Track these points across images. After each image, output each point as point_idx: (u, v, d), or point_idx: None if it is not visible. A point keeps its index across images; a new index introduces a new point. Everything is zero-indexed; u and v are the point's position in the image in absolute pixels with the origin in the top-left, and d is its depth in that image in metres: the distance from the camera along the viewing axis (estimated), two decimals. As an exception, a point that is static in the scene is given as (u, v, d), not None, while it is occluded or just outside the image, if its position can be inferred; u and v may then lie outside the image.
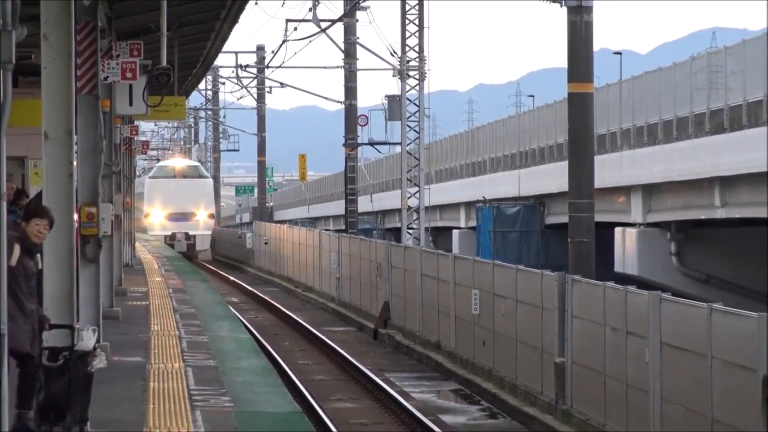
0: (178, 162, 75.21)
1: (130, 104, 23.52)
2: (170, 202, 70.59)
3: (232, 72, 79.71)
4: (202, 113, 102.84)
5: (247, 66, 77.41)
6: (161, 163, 78.41)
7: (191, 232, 69.44)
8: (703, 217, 33.45)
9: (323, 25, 51.67)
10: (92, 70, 19.58)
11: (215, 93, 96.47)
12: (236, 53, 77.83)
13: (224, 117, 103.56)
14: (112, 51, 22.68)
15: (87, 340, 11.05)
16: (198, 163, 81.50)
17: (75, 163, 16.58)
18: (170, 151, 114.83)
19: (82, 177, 18.82)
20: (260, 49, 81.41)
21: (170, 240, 66.82)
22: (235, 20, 27.80)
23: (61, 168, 15.15)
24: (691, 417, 18.87)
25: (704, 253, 34.73)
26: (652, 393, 19.52)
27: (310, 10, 52.46)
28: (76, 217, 17.53)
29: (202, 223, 71.63)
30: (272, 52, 66.54)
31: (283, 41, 57.70)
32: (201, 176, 73.29)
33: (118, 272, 29.05)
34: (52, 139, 15.00)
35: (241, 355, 20.31)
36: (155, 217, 69.30)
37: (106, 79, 21.26)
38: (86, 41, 19.53)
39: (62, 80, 15.12)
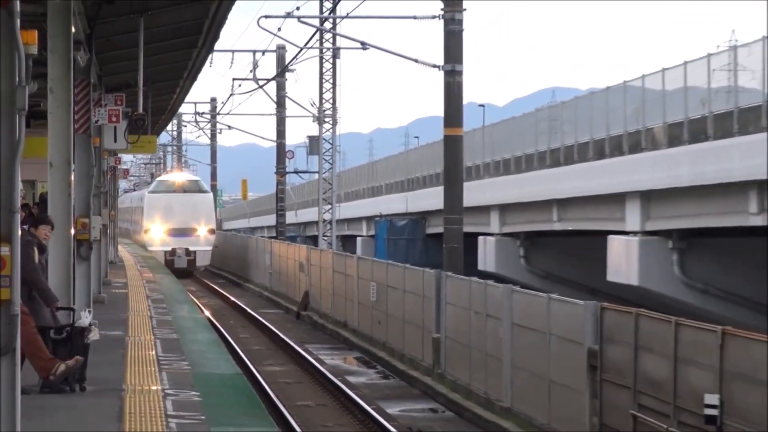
0: (178, 176, 57.93)
1: (115, 141, 22.40)
2: (170, 217, 53.41)
3: (192, 117, 77.09)
4: (169, 148, 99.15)
5: (203, 113, 75.17)
6: (161, 178, 60.69)
7: (192, 248, 53.06)
8: (543, 228, 32.76)
9: (261, 82, 52.18)
10: (86, 115, 19.49)
11: (179, 133, 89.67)
12: (195, 103, 74.69)
13: (186, 151, 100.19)
14: (102, 101, 22.31)
15: (84, 318, 11.02)
16: (198, 178, 62.88)
17: (72, 186, 16.15)
18: (143, 177, 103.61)
19: (78, 196, 18.42)
20: (213, 100, 77.16)
21: (170, 255, 50.50)
22: (194, 78, 27.35)
23: (62, 189, 15.11)
24: (534, 378, 19.04)
25: (546, 255, 34.50)
26: (505, 361, 19.63)
27: (251, 71, 53.35)
28: (72, 226, 16.50)
29: (203, 238, 54.35)
30: (222, 102, 65.78)
31: (230, 95, 58.72)
32: (201, 191, 56.52)
33: (105, 267, 28.66)
34: (55, 167, 15.05)
35: (197, 330, 19.91)
36: (155, 232, 52.56)
37: (96, 122, 20.21)
38: (82, 93, 19.29)
39: (63, 123, 15.04)
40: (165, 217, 51.70)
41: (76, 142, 17.44)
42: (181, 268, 46.34)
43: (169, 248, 49.50)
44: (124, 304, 23.67)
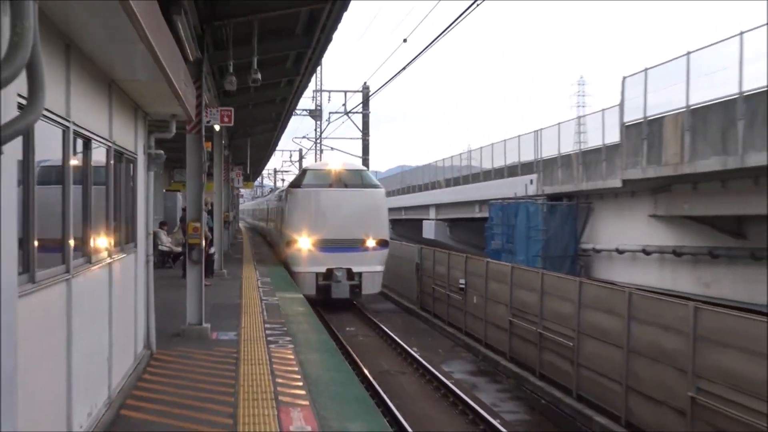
0: (335, 163, 31.69)
1: (238, 184, 35.36)
2: (325, 224, 28.34)
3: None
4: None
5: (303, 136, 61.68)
6: (313, 166, 33.73)
7: (357, 268, 28.46)
8: (466, 216, 41.76)
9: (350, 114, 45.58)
10: (227, 175, 29.49)
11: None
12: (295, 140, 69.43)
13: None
14: (232, 169, 31.45)
15: (214, 251, 20.39)
16: (363, 167, 35.82)
17: (222, 203, 28.01)
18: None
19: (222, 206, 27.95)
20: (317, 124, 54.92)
21: (324, 279, 28.16)
22: (284, 124, 31.93)
23: (218, 204, 27.18)
24: (404, 278, 29.33)
25: (458, 229, 43.86)
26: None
27: (342, 104, 44.61)
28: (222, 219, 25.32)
29: (372, 254, 28.60)
30: (322, 130, 52.68)
31: (328, 123, 48.53)
32: (369, 184, 30.72)
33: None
34: (216, 196, 25.52)
35: (294, 303, 18.24)
36: (301, 246, 28.11)
37: (231, 179, 29.56)
38: (225, 166, 28.61)
39: (218, 177, 24.12)
40: (317, 223, 30.24)
41: (222, 186, 27.19)
42: (342, 298, 28.19)
43: (323, 269, 28.95)
44: (240, 276, 24.48)
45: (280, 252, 31.08)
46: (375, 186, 28.51)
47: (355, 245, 26.94)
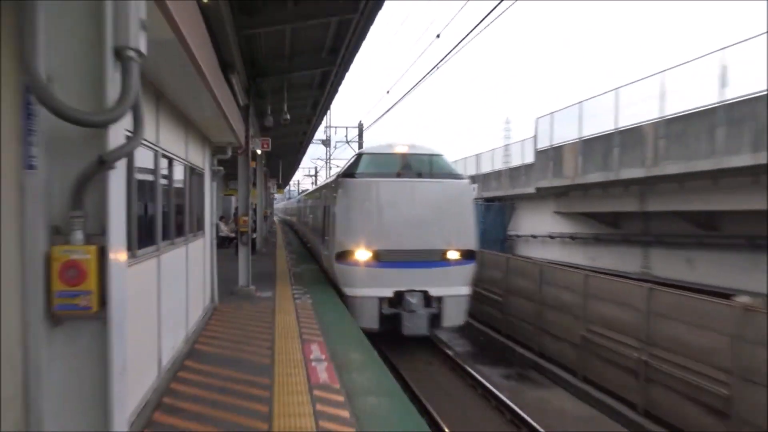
0: (401, 146, 11.24)
1: (272, 190, 34.92)
2: (392, 228, 10.31)
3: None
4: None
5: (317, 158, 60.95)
6: (370, 149, 12.04)
7: (435, 291, 10.54)
8: None
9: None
10: (267, 184, 28.84)
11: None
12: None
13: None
14: (269, 179, 31.23)
15: (256, 236, 23.21)
16: (440, 152, 12.01)
17: (261, 203, 27.15)
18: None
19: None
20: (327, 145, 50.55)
21: (390, 306, 10.57)
22: (305, 149, 30.80)
23: (260, 205, 26.20)
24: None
25: None
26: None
27: (344, 136, 40.26)
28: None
29: (456, 273, 10.73)
30: (331, 153, 42.16)
31: (335, 148, 38.96)
32: (451, 174, 11.36)
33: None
34: (258, 199, 25.38)
35: (314, 272, 16.06)
36: (356, 259, 10.51)
37: (270, 189, 29.52)
38: (264, 177, 28.94)
39: (261, 186, 25.65)
40: (379, 225, 11.62)
41: (262, 191, 26.39)
42: (416, 334, 11.44)
43: (389, 293, 11.43)
44: (275, 253, 24.11)
45: (323, 263, 15.54)
46: (456, 176, 13.09)
47: (432, 258, 12.18)
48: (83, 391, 3.08)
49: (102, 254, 3.11)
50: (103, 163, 3.04)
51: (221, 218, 23.27)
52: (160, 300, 6.69)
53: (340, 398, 6.53)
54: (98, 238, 3.12)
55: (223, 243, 22.54)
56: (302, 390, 6.73)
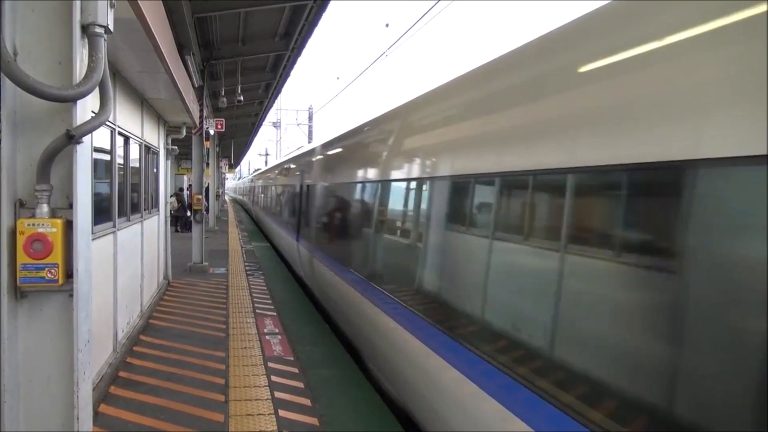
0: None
1: (225, 171, 35.16)
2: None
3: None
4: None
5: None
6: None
7: None
8: None
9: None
10: (219, 164, 29.48)
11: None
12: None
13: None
14: (221, 161, 31.32)
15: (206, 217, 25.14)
16: None
17: (212, 182, 26.70)
18: None
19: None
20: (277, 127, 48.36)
21: None
22: (257, 131, 30.24)
23: (207, 182, 28.40)
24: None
25: None
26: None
27: (295, 118, 46.95)
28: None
29: None
30: (281, 136, 47.83)
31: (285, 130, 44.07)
32: None
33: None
34: (210, 178, 25.54)
35: (264, 249, 17.00)
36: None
37: (221, 168, 29.63)
38: (217, 160, 28.21)
39: (214, 166, 26.03)
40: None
41: (215, 171, 27.47)
42: None
43: None
44: (227, 230, 24.61)
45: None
46: None
47: None
48: (48, 363, 3.04)
49: (68, 227, 3.06)
50: (71, 138, 2.98)
51: (173, 196, 22.49)
52: (116, 276, 6.59)
53: (295, 370, 6.57)
54: (64, 211, 3.07)
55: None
56: (257, 362, 6.74)
